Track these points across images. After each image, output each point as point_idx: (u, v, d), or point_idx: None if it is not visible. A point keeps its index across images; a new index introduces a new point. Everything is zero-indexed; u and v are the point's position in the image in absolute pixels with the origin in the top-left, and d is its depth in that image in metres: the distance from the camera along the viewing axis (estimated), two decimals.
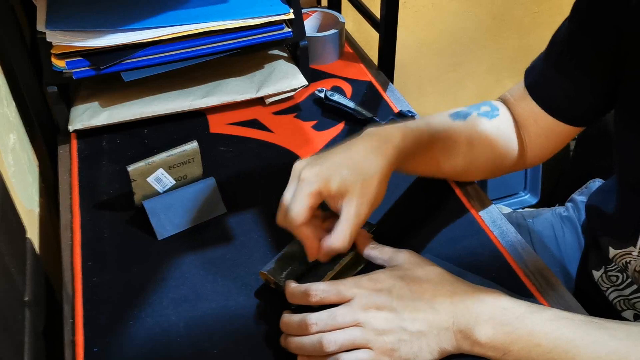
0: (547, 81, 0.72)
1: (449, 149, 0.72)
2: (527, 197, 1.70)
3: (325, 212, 0.65)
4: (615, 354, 0.53)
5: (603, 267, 0.81)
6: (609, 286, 0.80)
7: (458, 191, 0.79)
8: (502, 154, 0.76)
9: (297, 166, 0.62)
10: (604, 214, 0.80)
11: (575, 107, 0.72)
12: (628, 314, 0.78)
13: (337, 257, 0.65)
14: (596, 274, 0.82)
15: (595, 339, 0.54)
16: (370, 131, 0.65)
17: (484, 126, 0.74)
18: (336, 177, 0.60)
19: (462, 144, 0.73)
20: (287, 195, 0.61)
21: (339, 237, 0.60)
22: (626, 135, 0.68)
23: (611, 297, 0.80)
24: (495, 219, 0.76)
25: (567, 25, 0.69)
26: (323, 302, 0.58)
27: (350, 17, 1.27)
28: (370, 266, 0.64)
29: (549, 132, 0.74)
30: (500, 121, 0.75)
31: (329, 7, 1.24)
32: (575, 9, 0.68)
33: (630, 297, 0.77)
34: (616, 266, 0.78)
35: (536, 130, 0.75)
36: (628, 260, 0.75)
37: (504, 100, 0.78)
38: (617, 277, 0.78)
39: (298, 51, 0.99)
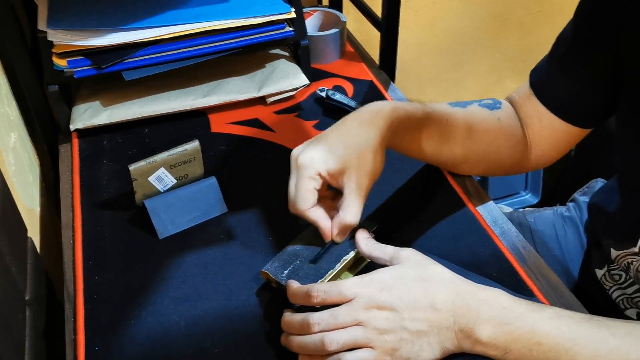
0: (551, 80, 0.72)
1: (445, 133, 0.72)
2: (528, 197, 1.70)
3: (335, 192, 0.66)
4: (615, 352, 0.53)
5: (606, 265, 0.80)
6: (612, 285, 0.80)
7: (459, 190, 0.79)
8: (502, 147, 0.76)
9: (294, 154, 0.64)
10: (606, 214, 0.80)
11: (578, 107, 0.72)
12: (631, 312, 0.78)
13: (338, 256, 0.65)
14: (599, 273, 0.82)
15: (595, 337, 0.54)
16: (361, 108, 0.67)
17: (484, 116, 0.74)
18: (332, 156, 0.61)
19: (460, 129, 0.73)
20: (291, 184, 0.63)
21: (348, 212, 0.62)
22: (626, 137, 0.68)
23: (614, 295, 0.80)
24: (496, 218, 0.76)
25: (570, 25, 0.69)
26: (324, 303, 0.58)
27: (351, 16, 1.27)
28: (372, 266, 0.64)
29: (553, 132, 0.74)
30: (502, 114, 0.75)
31: (330, 6, 1.24)
32: (578, 8, 0.68)
33: (633, 295, 0.77)
34: (618, 266, 0.78)
35: (540, 130, 0.75)
36: (630, 260, 0.75)
37: (510, 100, 0.78)
38: (620, 275, 0.78)
39: (299, 50, 0.99)
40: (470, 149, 0.74)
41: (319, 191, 0.63)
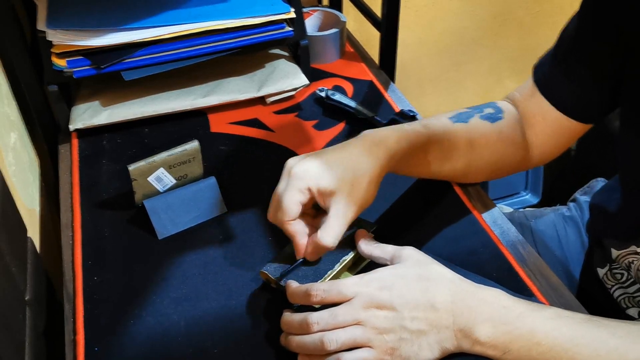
0: (555, 77, 0.72)
1: (447, 153, 0.72)
2: (529, 197, 1.70)
3: (317, 211, 0.65)
4: (615, 352, 0.53)
5: (608, 264, 0.80)
6: (613, 283, 0.80)
7: (459, 191, 0.79)
8: (503, 157, 0.75)
9: (289, 162, 0.63)
10: (607, 213, 0.80)
11: (582, 104, 0.72)
12: (633, 311, 0.78)
13: (338, 256, 0.65)
14: (601, 272, 0.82)
15: (595, 337, 0.54)
16: (365, 133, 0.66)
17: (485, 129, 0.74)
18: (326, 175, 0.61)
19: (462, 147, 0.72)
20: (278, 190, 0.62)
21: (326, 234, 0.60)
22: (627, 137, 0.68)
23: (616, 294, 0.79)
24: (496, 218, 0.76)
25: (574, 21, 0.69)
26: (324, 302, 0.58)
27: (351, 16, 1.27)
28: (371, 266, 0.64)
29: (558, 129, 0.74)
30: (504, 124, 0.75)
31: (330, 6, 1.24)
32: (581, 6, 0.68)
33: (635, 294, 0.77)
34: (619, 265, 0.78)
35: (544, 128, 0.74)
36: (631, 260, 0.75)
37: (512, 99, 0.78)
38: (622, 274, 0.78)
39: (299, 50, 0.99)
40: (472, 163, 0.74)
41: (304, 206, 0.62)
